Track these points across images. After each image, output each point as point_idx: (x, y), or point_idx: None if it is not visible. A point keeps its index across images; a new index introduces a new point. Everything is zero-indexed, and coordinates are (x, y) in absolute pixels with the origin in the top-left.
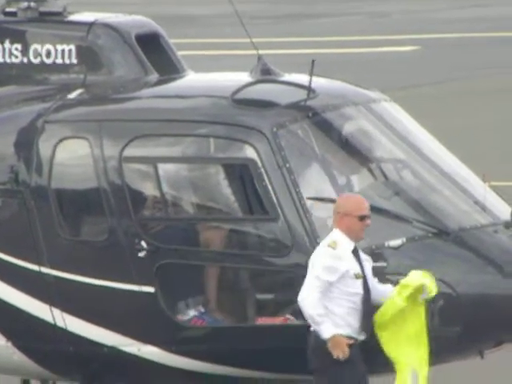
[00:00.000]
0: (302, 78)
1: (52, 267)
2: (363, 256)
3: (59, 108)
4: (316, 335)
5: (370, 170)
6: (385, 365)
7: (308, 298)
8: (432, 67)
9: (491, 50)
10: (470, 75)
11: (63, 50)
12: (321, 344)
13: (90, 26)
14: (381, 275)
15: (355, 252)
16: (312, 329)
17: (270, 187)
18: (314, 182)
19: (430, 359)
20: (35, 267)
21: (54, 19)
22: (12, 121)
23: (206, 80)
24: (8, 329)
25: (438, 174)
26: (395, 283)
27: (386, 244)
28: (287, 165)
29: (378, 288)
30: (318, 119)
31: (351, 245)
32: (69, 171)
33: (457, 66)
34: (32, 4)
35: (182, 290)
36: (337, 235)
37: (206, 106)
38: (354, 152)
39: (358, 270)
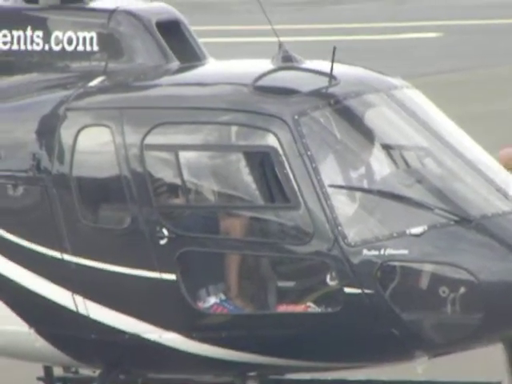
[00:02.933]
0: (324, 65)
1: (74, 254)
2: None
3: (81, 95)
4: None
5: (392, 158)
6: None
7: None
8: (456, 54)
9: None
10: (495, 62)
11: (84, 38)
12: None
13: (111, 13)
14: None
15: None
16: None
17: (291, 175)
18: (336, 169)
19: (452, 347)
20: (57, 254)
21: (75, 6)
22: (34, 108)
23: (227, 67)
24: (31, 316)
25: (460, 161)
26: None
27: (408, 231)
28: (308, 152)
29: None
30: (340, 106)
31: None
32: (90, 159)
33: (481, 52)
34: None
35: (202, 277)
36: None
37: (228, 94)
38: (376, 139)
39: None
